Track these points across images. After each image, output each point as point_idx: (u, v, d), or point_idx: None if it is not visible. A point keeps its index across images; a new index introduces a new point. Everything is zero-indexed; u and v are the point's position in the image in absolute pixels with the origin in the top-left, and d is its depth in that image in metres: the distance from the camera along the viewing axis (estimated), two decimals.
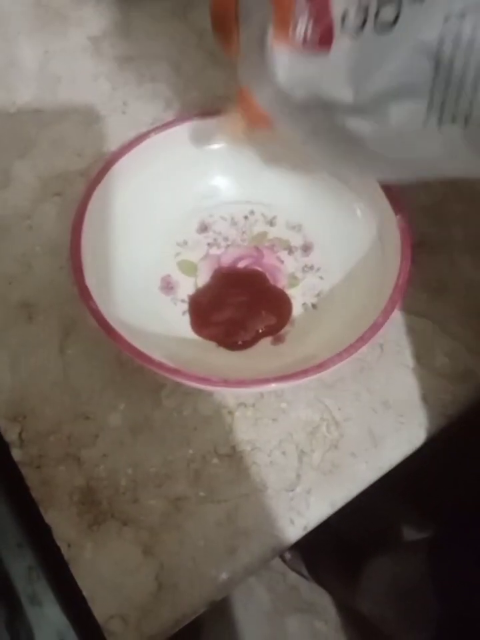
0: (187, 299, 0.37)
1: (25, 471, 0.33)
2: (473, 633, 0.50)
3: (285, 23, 0.26)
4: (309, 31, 0.26)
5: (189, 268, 0.38)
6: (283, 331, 0.37)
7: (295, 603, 0.98)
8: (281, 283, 0.38)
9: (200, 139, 0.39)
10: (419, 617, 0.57)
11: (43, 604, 0.34)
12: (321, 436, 0.34)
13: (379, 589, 0.70)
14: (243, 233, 0.39)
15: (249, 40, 0.29)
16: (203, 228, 0.39)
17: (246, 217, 0.40)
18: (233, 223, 0.40)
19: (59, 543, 0.31)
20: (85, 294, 0.32)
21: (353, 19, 0.25)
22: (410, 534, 0.91)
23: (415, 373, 0.35)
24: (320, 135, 0.28)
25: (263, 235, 0.39)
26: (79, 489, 0.32)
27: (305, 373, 0.30)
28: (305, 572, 0.96)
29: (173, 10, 0.51)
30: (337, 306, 0.36)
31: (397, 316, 0.32)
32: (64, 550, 0.31)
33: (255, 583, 0.98)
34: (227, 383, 0.30)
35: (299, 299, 0.37)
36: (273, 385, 0.31)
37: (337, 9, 0.25)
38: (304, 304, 0.37)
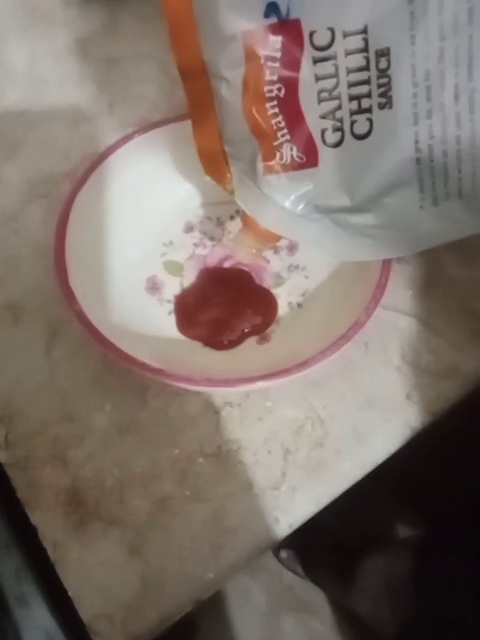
0: (172, 299, 0.38)
1: (11, 472, 0.33)
2: (467, 630, 0.50)
3: (271, 152, 0.29)
4: (295, 154, 0.28)
5: (174, 268, 0.38)
6: (268, 331, 0.37)
7: (291, 602, 0.98)
8: (267, 282, 0.38)
9: (186, 140, 0.39)
10: (413, 615, 0.57)
11: (30, 605, 0.34)
12: (306, 434, 0.34)
13: (374, 588, 0.71)
14: (229, 232, 0.39)
15: (241, 173, 0.31)
16: (189, 228, 0.40)
17: (232, 217, 0.40)
18: (219, 223, 0.40)
19: (45, 544, 0.31)
20: (68, 296, 0.32)
21: (331, 136, 0.27)
22: (403, 532, 0.92)
23: (399, 371, 0.35)
24: (328, 236, 0.30)
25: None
26: (65, 489, 0.32)
27: (288, 371, 0.30)
28: (301, 571, 0.96)
29: (160, 10, 0.51)
30: (321, 305, 0.36)
31: (382, 314, 0.32)
32: (50, 550, 0.31)
33: (250, 583, 0.98)
34: (210, 382, 0.30)
35: (284, 298, 0.38)
36: (258, 384, 0.31)
37: (315, 129, 0.27)
38: (289, 303, 0.37)
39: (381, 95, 0.26)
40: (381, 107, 0.26)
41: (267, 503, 0.32)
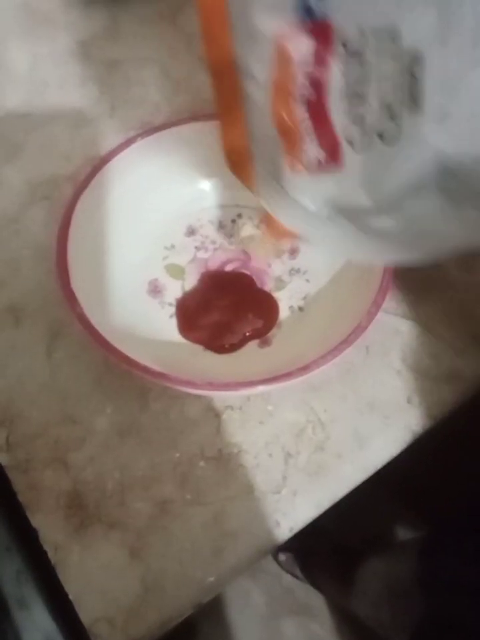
0: (174, 302, 0.38)
1: (12, 474, 0.33)
2: (469, 632, 0.50)
3: (295, 152, 0.28)
4: (320, 155, 0.28)
5: (176, 271, 0.38)
6: (269, 334, 0.37)
7: (291, 605, 0.98)
8: (268, 286, 0.38)
9: (189, 143, 0.39)
10: (414, 618, 0.57)
11: (30, 608, 0.34)
12: (307, 438, 0.34)
13: (374, 591, 0.71)
14: (231, 236, 0.39)
15: (265, 172, 0.31)
16: (191, 231, 0.40)
17: (233, 221, 0.40)
18: (221, 226, 0.40)
19: (45, 547, 0.31)
20: (70, 298, 0.32)
21: (358, 141, 0.27)
22: (404, 535, 0.91)
23: (400, 375, 0.35)
24: (347, 238, 0.30)
25: (251, 238, 0.39)
26: (65, 492, 0.32)
27: (289, 375, 0.30)
28: (300, 574, 0.96)
29: (161, 13, 0.51)
30: (323, 309, 0.36)
31: (383, 318, 0.32)
32: (51, 553, 0.31)
33: (250, 586, 0.98)
34: (211, 385, 0.30)
35: (285, 301, 0.38)
36: (258, 388, 0.31)
37: (341, 132, 0.27)
38: (291, 307, 0.37)
39: (410, 98, 0.25)
40: (410, 110, 0.26)
41: (268, 506, 0.32)
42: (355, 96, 0.26)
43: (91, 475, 0.33)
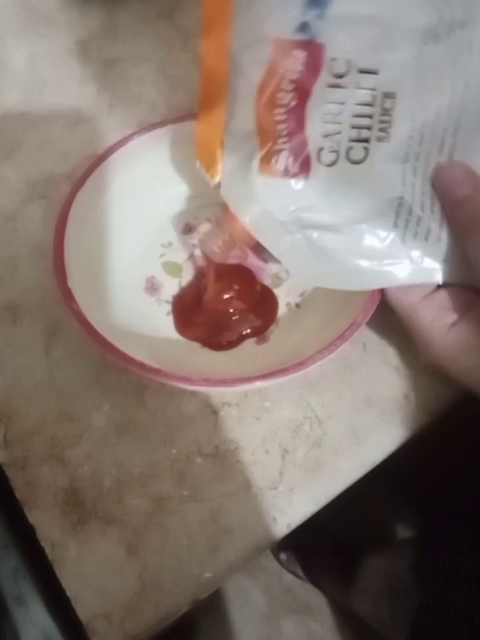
0: (171, 299, 0.38)
1: (9, 471, 0.33)
2: (469, 621, 0.50)
3: (269, 154, 0.30)
4: (290, 163, 0.30)
5: (173, 269, 0.38)
6: (267, 331, 0.37)
7: (291, 604, 0.98)
8: (265, 283, 0.38)
9: (186, 141, 0.39)
10: (415, 616, 0.57)
11: (28, 604, 0.34)
12: (304, 434, 0.34)
13: (375, 589, 0.71)
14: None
15: (233, 167, 0.32)
16: (188, 229, 0.40)
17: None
18: (218, 224, 0.40)
19: (43, 544, 0.31)
20: (67, 295, 0.32)
21: (327, 155, 0.29)
22: (403, 532, 0.91)
23: (397, 371, 0.35)
24: (295, 251, 0.31)
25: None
26: (62, 489, 0.32)
27: (285, 371, 0.30)
28: (300, 573, 0.96)
29: (159, 12, 0.51)
30: (319, 305, 0.36)
31: (380, 314, 0.32)
32: (48, 550, 0.31)
33: (250, 585, 0.98)
34: (207, 382, 0.30)
35: (283, 298, 0.38)
36: (256, 384, 0.31)
37: (313, 145, 0.29)
38: (288, 304, 0.37)
39: (380, 130, 0.28)
40: (379, 140, 0.28)
41: (265, 502, 0.32)
42: (331, 114, 0.29)
43: (88, 472, 0.33)
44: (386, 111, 0.28)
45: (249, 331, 0.36)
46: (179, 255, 0.39)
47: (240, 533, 0.32)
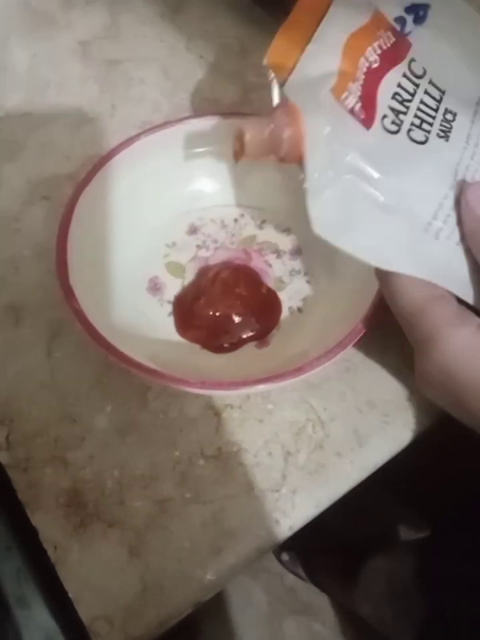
0: (173, 300, 0.37)
1: (11, 473, 0.33)
2: (470, 629, 0.50)
3: (342, 87, 0.29)
4: (357, 106, 0.29)
5: (176, 269, 0.38)
6: (268, 335, 0.37)
7: (292, 604, 0.98)
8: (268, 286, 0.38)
9: (190, 142, 0.39)
10: (416, 618, 0.57)
11: (31, 606, 0.34)
12: (307, 436, 0.34)
13: (377, 590, 0.71)
14: (233, 235, 0.39)
15: (308, 75, 0.30)
16: (193, 230, 0.40)
17: (236, 220, 0.40)
18: (223, 225, 0.40)
19: (45, 546, 0.31)
20: (68, 294, 0.32)
21: (389, 124, 0.29)
22: (407, 534, 0.91)
23: (400, 373, 0.35)
24: (331, 198, 0.28)
25: (252, 238, 0.39)
26: (65, 491, 0.32)
27: (286, 375, 0.30)
28: (302, 573, 0.96)
29: (161, 13, 0.51)
30: (321, 310, 0.36)
31: (383, 317, 0.32)
32: (50, 552, 0.31)
33: (252, 585, 0.98)
34: (203, 384, 0.30)
35: (285, 302, 0.37)
36: (256, 387, 0.31)
37: (380, 106, 0.30)
38: (290, 307, 0.37)
39: (441, 130, 0.30)
40: (438, 136, 0.30)
41: (267, 504, 0.32)
42: (400, 96, 0.30)
43: (91, 474, 0.33)
44: (447, 120, 0.30)
45: (250, 334, 0.36)
46: (183, 256, 0.39)
47: (242, 535, 0.31)
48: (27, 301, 0.38)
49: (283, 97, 0.31)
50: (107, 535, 0.31)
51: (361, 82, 0.30)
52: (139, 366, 0.30)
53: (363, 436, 0.34)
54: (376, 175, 0.28)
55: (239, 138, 0.30)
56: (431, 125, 0.30)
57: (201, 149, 0.39)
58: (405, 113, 0.30)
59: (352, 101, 0.29)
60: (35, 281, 0.38)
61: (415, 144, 0.29)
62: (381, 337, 0.36)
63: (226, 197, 0.40)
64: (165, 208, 0.39)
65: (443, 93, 0.31)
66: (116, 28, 0.51)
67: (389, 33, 0.31)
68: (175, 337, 0.37)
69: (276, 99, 0.31)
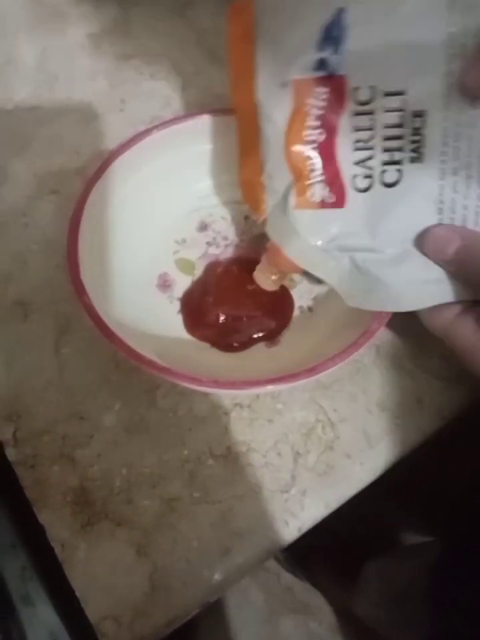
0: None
1: (19, 470, 0.33)
2: (473, 636, 0.49)
3: (303, 190, 0.31)
4: (325, 193, 0.31)
5: (186, 266, 0.38)
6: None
7: (289, 603, 0.98)
8: None
9: (201, 138, 0.39)
10: (415, 620, 0.57)
11: (35, 604, 0.34)
12: (316, 437, 0.33)
13: (376, 591, 0.70)
14: (243, 233, 0.39)
15: (274, 205, 0.33)
16: (203, 227, 0.39)
17: (246, 218, 0.40)
18: (233, 222, 0.39)
19: (52, 544, 0.31)
20: (79, 290, 0.31)
21: (361, 182, 0.30)
22: (408, 538, 0.91)
23: (410, 375, 0.35)
24: (343, 274, 0.32)
25: (263, 236, 0.39)
26: (72, 489, 0.32)
27: (296, 376, 0.30)
28: (300, 572, 0.96)
29: (172, 8, 0.51)
30: (331, 309, 0.36)
31: (394, 318, 0.32)
32: (58, 550, 0.31)
33: (249, 584, 0.98)
34: (216, 383, 0.30)
35: (295, 301, 0.37)
36: (269, 387, 0.30)
37: (346, 173, 0.30)
38: (300, 307, 0.37)
39: (412, 150, 0.28)
40: (412, 160, 0.29)
41: (276, 505, 0.32)
42: (361, 141, 0.29)
43: (98, 472, 0.33)
44: (416, 131, 0.28)
45: (261, 334, 0.36)
46: (193, 252, 0.39)
47: (251, 535, 0.31)
48: (34, 296, 0.37)
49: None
50: (115, 534, 0.31)
51: (317, 168, 0.30)
52: (151, 364, 0.29)
53: (372, 437, 0.33)
54: (367, 241, 0.30)
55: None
56: (401, 149, 0.28)
57: (213, 145, 0.39)
58: (371, 157, 0.29)
59: (318, 193, 0.31)
60: (43, 276, 0.38)
61: (391, 189, 0.29)
62: (393, 338, 0.36)
63: (237, 194, 0.40)
64: (175, 204, 0.39)
65: (403, 92, 0.27)
66: (126, 22, 0.50)
67: (317, 88, 0.29)
68: (184, 334, 0.36)
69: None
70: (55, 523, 0.31)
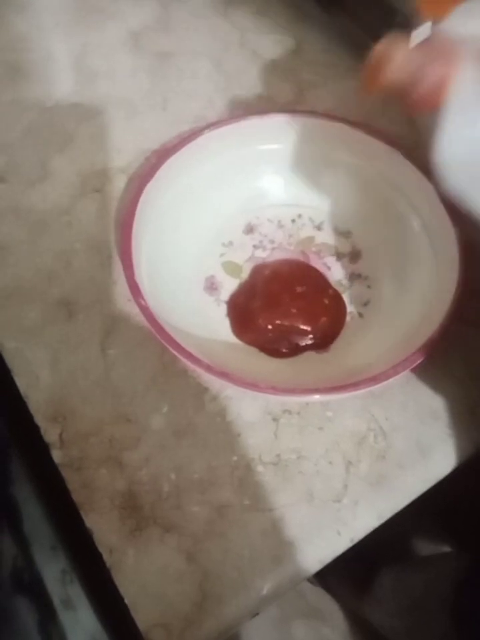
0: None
1: (65, 472, 0.32)
2: None
3: None
4: None
5: (233, 269, 0.37)
6: None
7: (302, 608, 0.97)
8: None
9: (251, 140, 0.38)
10: (432, 631, 0.56)
11: (76, 608, 0.33)
12: (368, 446, 0.33)
13: (391, 600, 0.70)
14: (290, 236, 0.39)
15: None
16: (249, 229, 0.39)
17: (293, 221, 0.39)
18: (280, 225, 0.39)
19: (100, 549, 0.30)
20: (135, 292, 0.31)
21: None
22: (424, 547, 0.90)
23: (463, 384, 0.34)
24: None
25: (310, 239, 0.38)
26: (120, 493, 0.32)
27: (356, 385, 0.29)
28: (313, 578, 0.95)
29: (213, 6, 0.50)
30: (384, 316, 0.35)
31: (448, 326, 0.31)
32: (106, 556, 0.30)
33: None
34: (274, 389, 0.30)
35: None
36: (325, 396, 0.30)
37: None
38: (350, 312, 0.36)
39: None
40: None
41: (329, 515, 0.31)
42: None
43: (146, 476, 0.32)
44: None
45: (311, 342, 0.35)
46: (240, 255, 0.38)
47: (302, 545, 0.31)
48: (79, 295, 0.37)
49: (436, 36, 0.28)
50: (164, 540, 0.31)
51: None
52: (209, 368, 0.29)
53: (425, 448, 0.33)
54: None
55: (379, 61, 0.27)
56: None
57: (262, 148, 0.38)
58: None
59: None
60: (87, 275, 0.37)
61: None
62: (445, 347, 0.35)
63: (284, 197, 0.39)
64: (222, 206, 0.39)
65: None
66: (167, 20, 0.50)
67: None
68: (231, 337, 0.36)
69: (420, 38, 0.29)
70: (103, 528, 0.31)
